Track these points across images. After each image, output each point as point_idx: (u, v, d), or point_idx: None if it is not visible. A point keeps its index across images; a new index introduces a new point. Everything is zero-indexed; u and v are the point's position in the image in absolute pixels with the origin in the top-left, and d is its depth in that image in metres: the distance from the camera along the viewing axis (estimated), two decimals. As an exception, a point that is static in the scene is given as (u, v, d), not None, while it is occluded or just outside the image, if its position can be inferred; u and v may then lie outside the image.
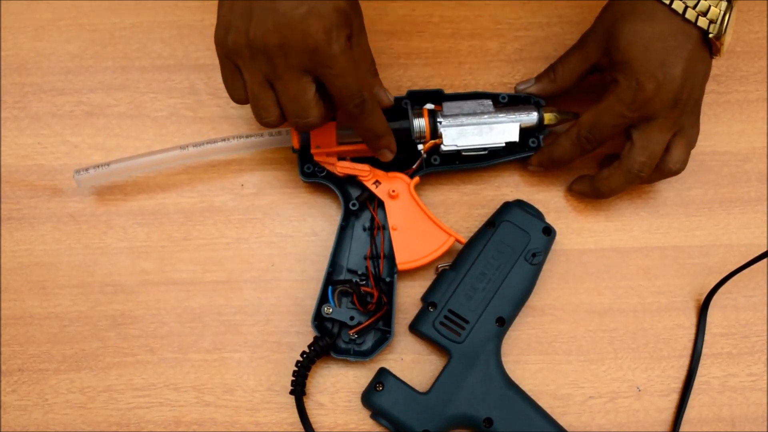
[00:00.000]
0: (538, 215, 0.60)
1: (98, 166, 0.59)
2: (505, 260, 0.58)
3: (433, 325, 0.57)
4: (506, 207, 0.60)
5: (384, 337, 0.58)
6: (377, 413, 0.56)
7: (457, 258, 0.59)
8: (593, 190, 0.60)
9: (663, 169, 0.58)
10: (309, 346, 0.57)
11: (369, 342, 0.59)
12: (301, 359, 0.57)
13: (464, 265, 0.58)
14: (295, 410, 0.57)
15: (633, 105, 0.55)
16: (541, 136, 0.61)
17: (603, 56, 0.57)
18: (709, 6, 0.53)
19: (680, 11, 0.53)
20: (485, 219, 0.62)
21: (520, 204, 0.60)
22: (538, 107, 0.61)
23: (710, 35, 0.54)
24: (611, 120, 0.56)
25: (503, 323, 0.57)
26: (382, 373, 0.57)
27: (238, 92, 0.54)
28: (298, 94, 0.52)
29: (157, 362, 0.60)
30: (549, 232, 0.59)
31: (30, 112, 0.64)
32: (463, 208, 0.63)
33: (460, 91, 0.65)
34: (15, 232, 0.62)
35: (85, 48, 0.65)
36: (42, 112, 0.64)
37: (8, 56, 0.65)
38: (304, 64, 0.50)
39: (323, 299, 0.58)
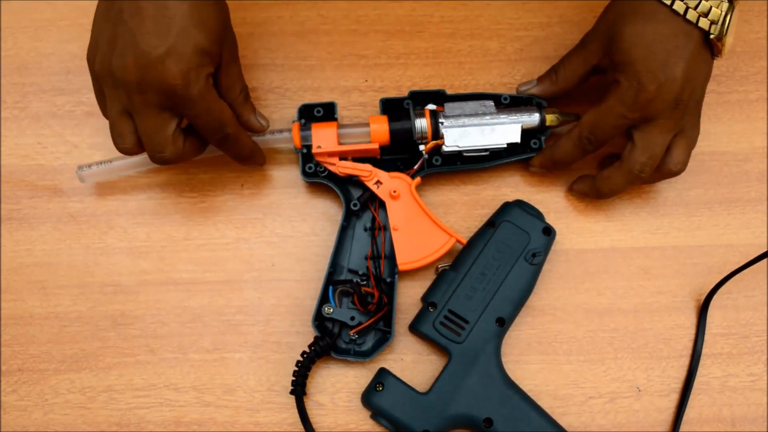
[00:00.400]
0: (538, 215, 0.60)
1: (101, 163, 0.60)
2: (505, 260, 0.58)
3: (433, 325, 0.57)
4: (506, 207, 0.60)
5: (384, 337, 0.58)
6: (377, 413, 0.56)
7: (457, 258, 0.59)
8: (594, 191, 0.60)
9: (663, 170, 0.58)
10: (309, 346, 0.57)
11: (369, 342, 0.59)
12: (301, 359, 0.57)
13: (464, 265, 0.58)
14: (295, 410, 0.57)
15: (634, 106, 0.55)
16: (542, 138, 0.61)
17: (604, 57, 0.57)
18: (711, 7, 0.53)
19: (681, 12, 0.53)
20: (485, 219, 0.62)
21: (520, 204, 0.60)
22: (539, 108, 0.61)
23: (711, 36, 0.54)
24: (612, 121, 0.56)
25: (503, 323, 0.57)
26: (382, 373, 0.57)
27: (105, 112, 0.55)
28: (154, 130, 0.53)
29: (157, 362, 0.60)
30: (549, 232, 0.59)
31: (30, 112, 0.64)
32: (463, 208, 0.63)
33: (461, 91, 0.65)
34: (15, 232, 0.62)
35: (85, 48, 0.65)
36: (42, 112, 0.64)
37: (8, 56, 0.65)
38: (163, 103, 0.51)
39: (324, 299, 0.58)
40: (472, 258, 0.58)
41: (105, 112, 0.55)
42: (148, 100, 0.51)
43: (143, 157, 0.59)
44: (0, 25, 0.65)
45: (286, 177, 0.63)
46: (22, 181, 0.63)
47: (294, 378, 0.57)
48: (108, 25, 0.51)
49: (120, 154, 0.57)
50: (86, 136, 0.64)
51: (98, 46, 0.52)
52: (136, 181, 0.63)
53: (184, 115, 0.53)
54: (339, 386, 0.59)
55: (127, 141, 0.54)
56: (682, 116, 0.56)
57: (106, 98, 0.53)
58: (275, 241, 0.62)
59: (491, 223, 0.60)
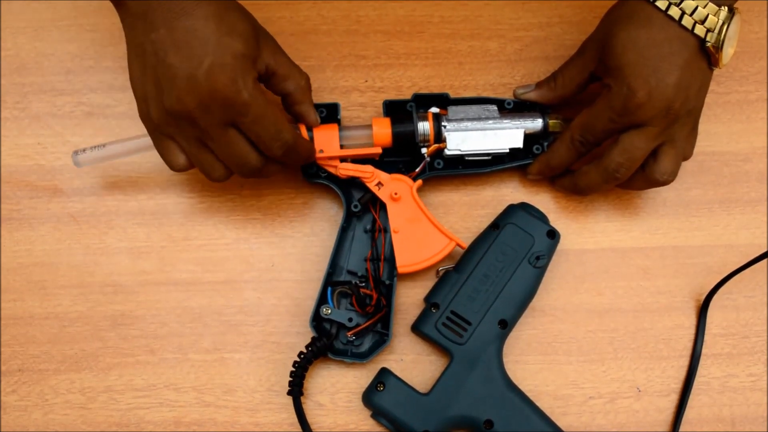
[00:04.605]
0: (542, 218, 0.60)
1: (96, 147, 0.58)
2: (508, 263, 0.58)
3: (436, 326, 0.57)
4: (511, 209, 0.60)
5: (382, 339, 0.58)
6: (378, 413, 0.56)
7: (460, 259, 0.59)
8: (572, 185, 0.60)
9: (650, 178, 0.57)
10: (306, 347, 0.57)
11: (367, 344, 0.59)
12: (298, 360, 0.57)
13: (468, 266, 0.58)
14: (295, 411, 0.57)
15: (623, 111, 0.54)
16: (545, 143, 0.61)
17: (600, 63, 0.56)
18: (708, 14, 0.52)
19: (677, 18, 0.52)
20: (485, 219, 0.62)
21: (524, 207, 0.60)
22: (543, 114, 0.60)
23: (707, 44, 0.53)
24: (601, 125, 0.56)
25: (505, 326, 0.57)
26: (384, 372, 0.57)
27: (175, 160, 0.55)
28: (230, 146, 0.53)
29: (157, 362, 0.60)
30: (553, 235, 0.59)
31: (30, 112, 0.64)
32: (462, 209, 0.63)
33: (461, 90, 0.65)
34: (15, 232, 0.62)
35: (85, 48, 0.65)
36: (42, 112, 0.64)
37: (8, 56, 0.65)
38: (224, 117, 0.51)
39: (322, 300, 0.58)
40: (475, 260, 0.58)
41: (175, 162, 0.55)
42: (212, 120, 0.51)
43: (138, 142, 0.57)
44: (0, 25, 0.65)
45: (286, 177, 0.63)
46: (22, 181, 0.63)
47: (291, 378, 0.57)
48: (147, 73, 0.51)
49: (114, 139, 0.58)
50: (86, 136, 0.63)
51: (146, 98, 0.52)
52: (136, 181, 0.63)
53: (242, 126, 0.52)
54: (339, 386, 0.59)
55: (217, 169, 0.54)
56: (672, 124, 0.55)
57: (174, 145, 0.54)
58: (275, 241, 0.62)
59: (495, 225, 0.59)
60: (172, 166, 0.55)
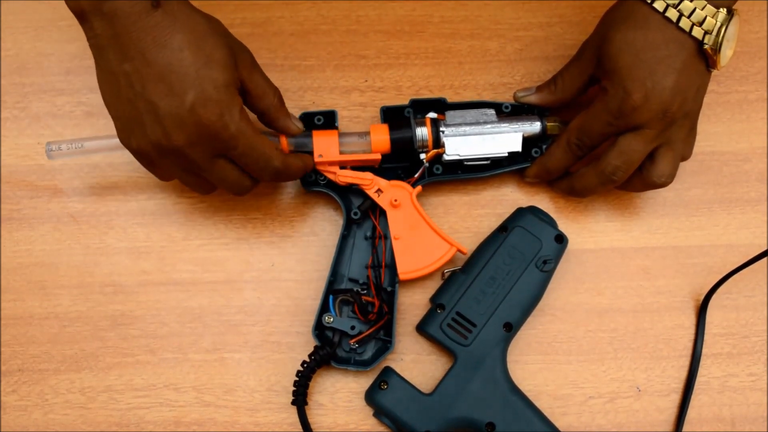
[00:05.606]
0: (551, 222, 0.60)
1: (72, 142, 0.58)
2: (515, 266, 0.58)
3: (440, 327, 0.57)
4: (519, 213, 0.60)
5: (385, 346, 0.58)
6: (380, 412, 0.56)
7: (467, 261, 0.59)
8: (569, 188, 0.60)
9: (647, 180, 0.57)
10: (309, 356, 0.57)
11: (369, 351, 0.59)
12: (301, 369, 0.57)
13: (474, 268, 0.58)
14: (295, 410, 0.57)
15: (619, 113, 0.54)
16: (543, 146, 0.61)
17: (597, 65, 0.56)
18: (705, 16, 0.51)
19: (674, 20, 0.52)
20: (485, 219, 0.62)
21: (533, 210, 0.60)
22: (541, 117, 0.60)
23: (705, 46, 0.52)
24: (598, 128, 0.56)
25: (510, 329, 0.57)
26: (387, 372, 0.57)
27: (164, 176, 0.55)
28: (223, 175, 0.53)
29: (157, 362, 0.60)
30: (561, 239, 0.59)
31: (30, 112, 0.64)
32: (462, 209, 0.63)
33: (460, 90, 0.65)
34: (15, 232, 0.62)
35: (85, 48, 0.64)
36: (42, 112, 0.64)
37: (8, 56, 0.65)
38: (212, 151, 0.51)
39: (324, 308, 0.58)
40: (482, 262, 0.58)
41: (163, 177, 0.55)
42: (201, 153, 0.51)
43: (114, 142, 0.56)
44: (0, 25, 0.65)
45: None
46: (22, 181, 0.63)
47: (295, 388, 0.57)
48: (123, 104, 0.50)
49: (91, 135, 0.57)
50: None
51: (127, 128, 0.51)
52: (136, 181, 0.63)
53: (233, 157, 0.52)
54: (339, 386, 0.59)
55: (205, 189, 0.55)
56: (669, 127, 0.54)
57: (159, 167, 0.53)
58: (275, 241, 0.62)
59: (504, 228, 0.59)
60: (161, 179, 0.56)
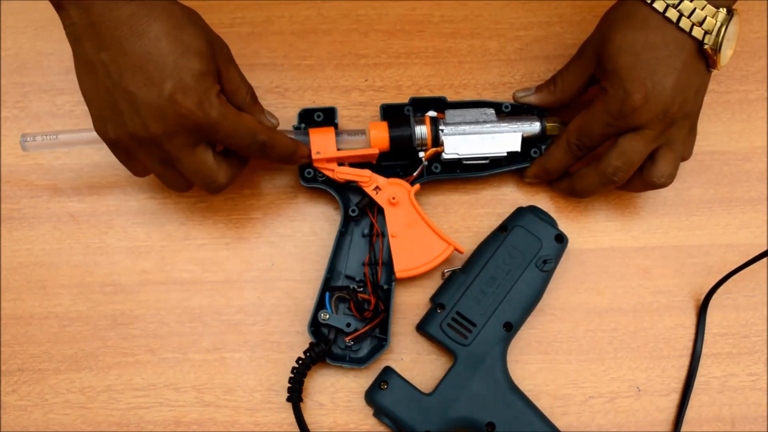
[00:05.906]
0: (551, 222, 0.60)
1: (47, 135, 0.57)
2: (515, 265, 0.58)
3: (440, 327, 0.57)
4: (519, 212, 0.60)
5: (380, 344, 0.58)
6: (380, 411, 0.56)
7: (467, 261, 0.59)
8: (569, 188, 0.60)
9: (647, 181, 0.57)
10: (305, 352, 0.57)
11: (365, 349, 0.59)
12: (297, 366, 0.57)
13: (474, 268, 0.58)
14: (295, 410, 0.57)
15: (619, 114, 0.54)
16: (543, 146, 0.61)
17: (597, 66, 0.56)
18: (705, 16, 0.51)
19: (674, 20, 0.52)
20: (485, 219, 0.62)
21: (533, 210, 0.60)
22: (540, 117, 0.60)
23: (705, 46, 0.52)
24: (598, 128, 0.56)
25: (510, 328, 0.57)
26: (387, 371, 0.57)
27: (137, 170, 0.55)
28: (197, 167, 0.52)
29: (157, 362, 0.60)
30: (561, 239, 0.59)
31: (30, 112, 0.64)
32: (462, 208, 0.63)
33: (460, 90, 0.64)
34: (15, 232, 0.62)
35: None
36: (42, 111, 0.64)
37: (8, 56, 0.65)
38: (193, 139, 0.51)
39: (320, 305, 0.58)
40: (482, 261, 0.58)
41: (136, 171, 0.55)
42: (180, 143, 0.51)
43: (90, 135, 0.55)
44: (0, 25, 0.65)
45: (286, 177, 0.63)
46: (22, 181, 0.63)
47: (290, 384, 0.57)
48: (100, 93, 0.50)
49: (67, 128, 0.57)
50: (86, 136, 0.64)
51: (104, 117, 0.51)
52: (136, 180, 0.63)
53: (215, 141, 0.52)
54: (339, 386, 0.59)
55: (181, 184, 0.55)
56: (669, 127, 0.54)
57: (135, 160, 0.53)
58: (275, 241, 0.62)
59: (504, 228, 0.59)
60: (133, 173, 0.56)
